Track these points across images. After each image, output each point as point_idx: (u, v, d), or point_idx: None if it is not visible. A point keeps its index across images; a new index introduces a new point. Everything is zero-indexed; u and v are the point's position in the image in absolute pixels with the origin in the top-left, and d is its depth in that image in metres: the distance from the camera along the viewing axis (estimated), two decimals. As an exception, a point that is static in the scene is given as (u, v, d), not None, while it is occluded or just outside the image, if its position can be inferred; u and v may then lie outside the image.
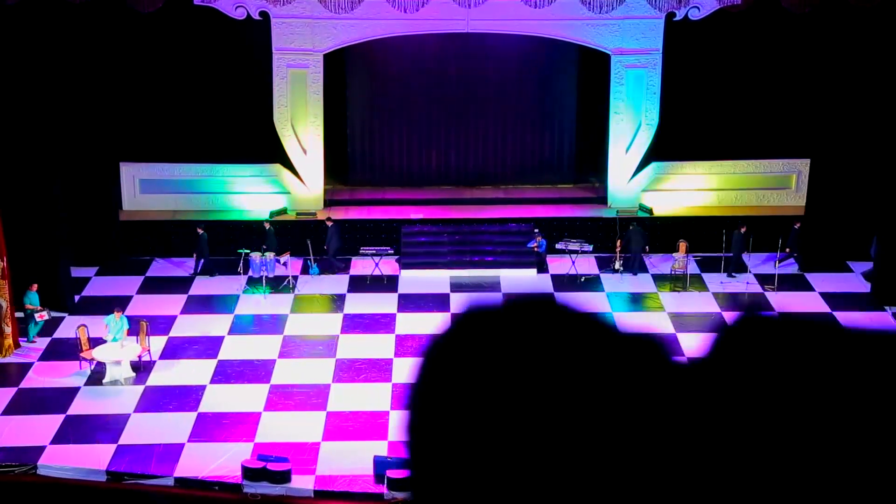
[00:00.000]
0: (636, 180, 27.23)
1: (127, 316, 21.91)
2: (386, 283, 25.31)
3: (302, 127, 26.80)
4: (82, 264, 25.18)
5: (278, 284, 24.96)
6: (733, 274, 25.36)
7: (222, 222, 26.47)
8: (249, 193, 27.12)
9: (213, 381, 20.87)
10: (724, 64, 26.23)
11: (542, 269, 25.88)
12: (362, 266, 25.96)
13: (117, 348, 21.11)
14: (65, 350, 21.79)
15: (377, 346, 22.25)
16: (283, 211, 26.89)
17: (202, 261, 25.55)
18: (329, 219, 26.18)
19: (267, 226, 25.93)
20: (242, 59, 26.17)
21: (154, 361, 21.51)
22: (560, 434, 1.20)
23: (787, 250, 25.73)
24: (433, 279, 25.40)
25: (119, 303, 22.73)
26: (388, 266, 25.87)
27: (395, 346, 22.19)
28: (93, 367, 21.02)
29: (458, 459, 1.23)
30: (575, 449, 1.20)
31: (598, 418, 1.21)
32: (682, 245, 25.37)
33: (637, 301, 24.65)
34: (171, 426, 19.21)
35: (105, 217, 25.79)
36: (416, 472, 1.29)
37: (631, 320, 23.36)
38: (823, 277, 25.39)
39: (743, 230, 25.41)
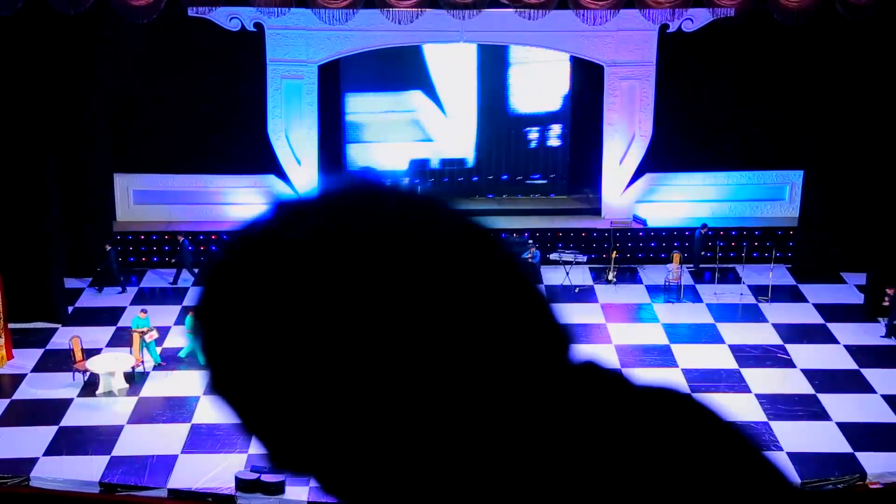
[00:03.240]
0: (630, 192, 27.24)
1: (121, 327, 21.83)
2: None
3: (296, 138, 26.79)
4: (75, 275, 25.11)
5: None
6: None
7: (216, 233, 26.43)
8: (243, 205, 27.07)
9: (207, 392, 20.68)
10: (718, 75, 26.27)
11: (536, 279, 25.84)
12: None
13: (111, 359, 21.09)
14: (58, 361, 21.71)
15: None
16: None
17: None
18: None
19: (181, 238, 25.55)
20: (236, 70, 26.15)
21: (148, 372, 21.45)
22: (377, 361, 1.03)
23: None
24: (427, 290, 25.32)
25: (112, 314, 22.66)
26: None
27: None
28: (86, 378, 20.95)
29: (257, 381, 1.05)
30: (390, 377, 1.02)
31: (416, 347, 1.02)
32: (676, 256, 25.40)
33: (631, 312, 24.64)
34: (165, 437, 19.15)
35: (99, 228, 25.72)
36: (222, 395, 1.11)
37: (626, 333, 23.38)
38: (817, 289, 25.40)
39: None
